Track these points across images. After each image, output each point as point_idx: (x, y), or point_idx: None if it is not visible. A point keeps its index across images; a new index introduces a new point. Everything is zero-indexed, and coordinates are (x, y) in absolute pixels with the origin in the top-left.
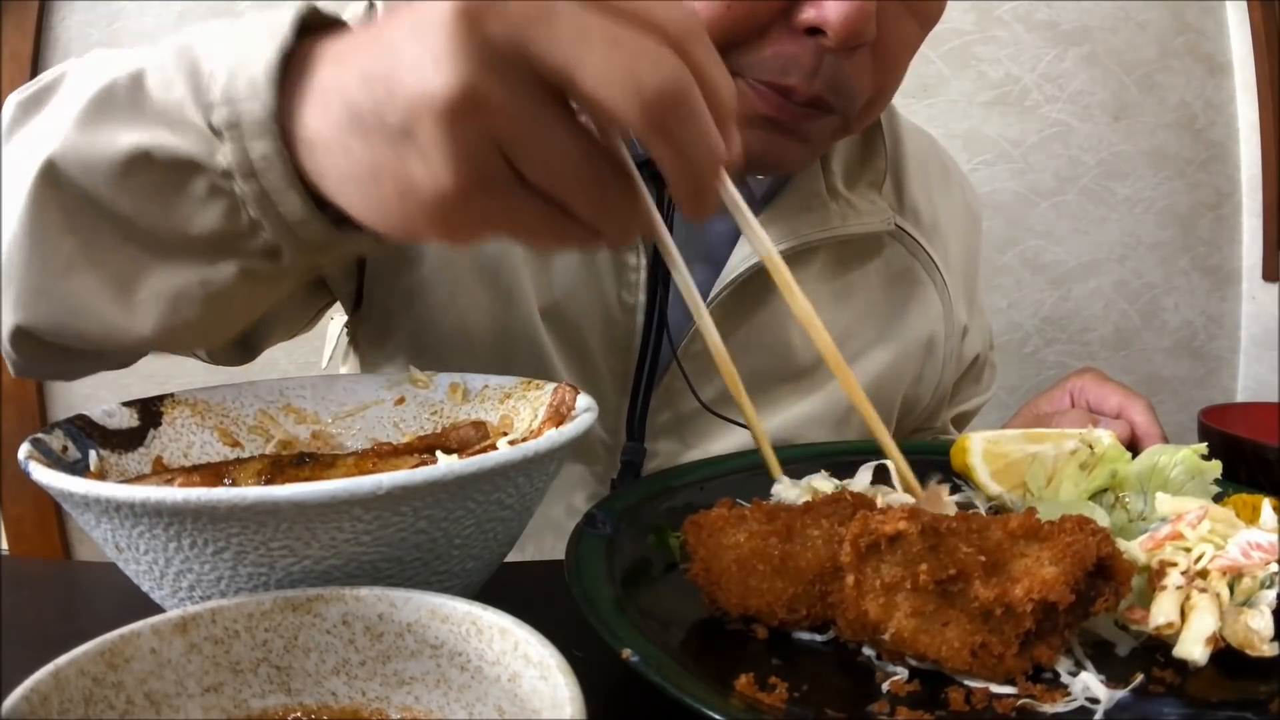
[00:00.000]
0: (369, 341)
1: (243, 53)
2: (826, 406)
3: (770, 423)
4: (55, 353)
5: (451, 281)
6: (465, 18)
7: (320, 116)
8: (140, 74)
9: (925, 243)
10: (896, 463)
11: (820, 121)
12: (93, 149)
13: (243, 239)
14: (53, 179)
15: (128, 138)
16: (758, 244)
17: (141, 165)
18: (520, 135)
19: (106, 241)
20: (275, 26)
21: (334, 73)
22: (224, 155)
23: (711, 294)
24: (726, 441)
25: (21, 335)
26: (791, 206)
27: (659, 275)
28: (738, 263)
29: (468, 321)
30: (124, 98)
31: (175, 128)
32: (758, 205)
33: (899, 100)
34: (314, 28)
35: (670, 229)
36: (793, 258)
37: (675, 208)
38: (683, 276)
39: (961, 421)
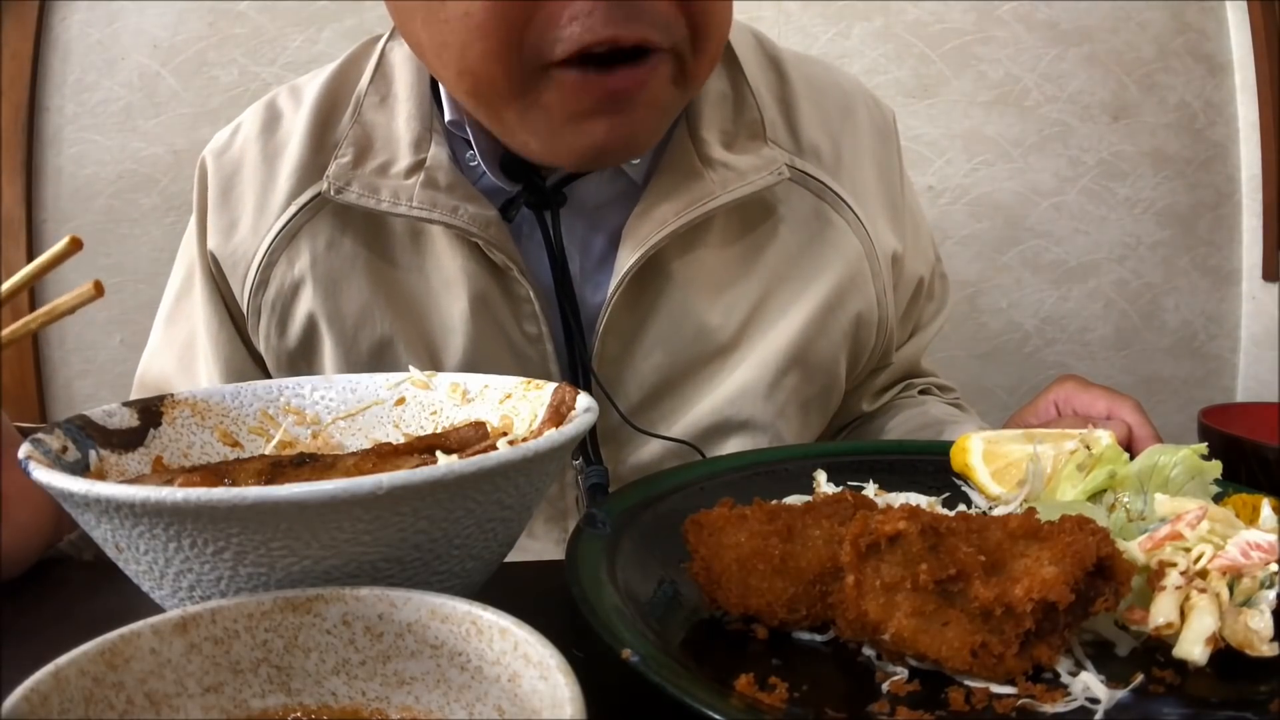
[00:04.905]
0: None
1: None
2: (757, 374)
3: (704, 404)
4: None
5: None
6: None
7: None
8: None
9: (830, 180)
10: None
11: (655, 70)
12: None
13: None
14: None
15: None
16: None
17: None
18: None
19: None
20: None
21: None
22: None
23: (615, 282)
24: (648, 450)
25: None
26: (666, 187)
27: (559, 300)
28: (637, 243)
29: None
30: None
31: None
32: (636, 192)
33: (899, 99)
34: None
35: (560, 242)
36: (685, 234)
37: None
38: None
39: (924, 347)
